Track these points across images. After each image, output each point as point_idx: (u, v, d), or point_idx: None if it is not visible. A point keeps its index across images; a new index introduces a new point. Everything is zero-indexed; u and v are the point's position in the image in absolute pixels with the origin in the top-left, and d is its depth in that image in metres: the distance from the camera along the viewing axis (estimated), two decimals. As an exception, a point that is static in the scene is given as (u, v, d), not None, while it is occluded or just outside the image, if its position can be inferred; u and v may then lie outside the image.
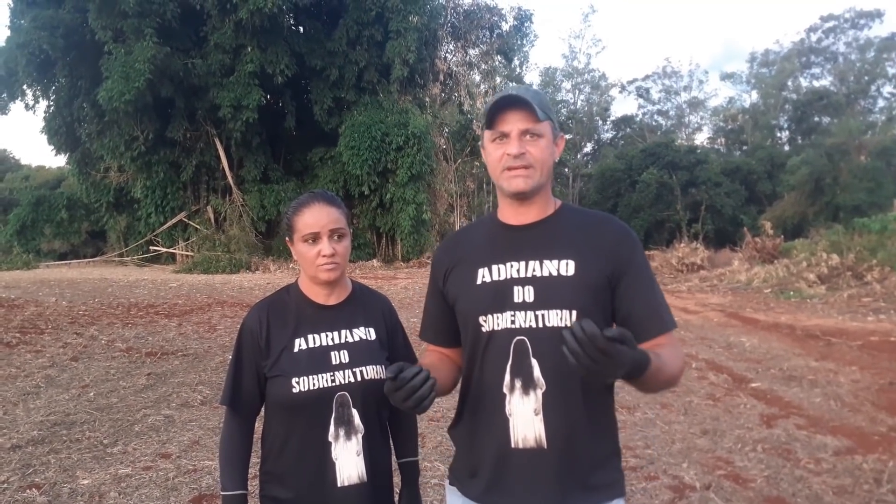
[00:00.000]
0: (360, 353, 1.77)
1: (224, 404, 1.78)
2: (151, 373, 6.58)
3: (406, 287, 15.25)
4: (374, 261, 23.28)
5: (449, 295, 1.64)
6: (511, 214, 1.60)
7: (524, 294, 1.51)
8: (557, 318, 1.47)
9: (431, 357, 1.74)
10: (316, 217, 1.72)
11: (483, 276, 1.57)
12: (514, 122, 1.51)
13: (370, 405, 1.76)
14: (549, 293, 1.50)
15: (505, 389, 1.50)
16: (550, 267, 1.51)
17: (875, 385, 6.14)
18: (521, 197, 1.55)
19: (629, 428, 4.85)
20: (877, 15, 47.02)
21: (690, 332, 9.16)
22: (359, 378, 1.73)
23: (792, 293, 13.05)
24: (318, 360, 1.72)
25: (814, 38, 49.76)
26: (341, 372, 1.72)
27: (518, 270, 1.54)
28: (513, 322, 1.51)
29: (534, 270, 1.52)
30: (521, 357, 1.49)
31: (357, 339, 1.79)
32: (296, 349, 1.73)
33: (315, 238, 1.72)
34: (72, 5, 21.30)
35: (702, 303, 12.53)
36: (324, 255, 1.71)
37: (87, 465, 4.08)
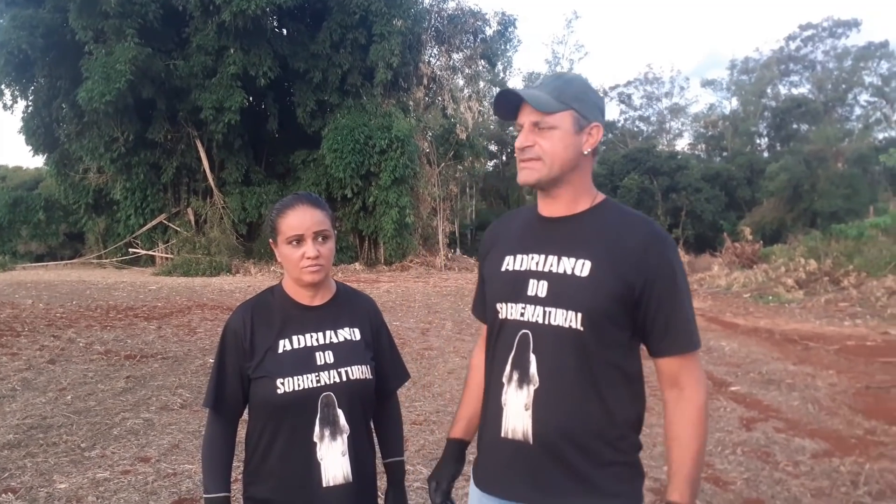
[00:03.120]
0: (345, 354, 1.77)
1: (207, 406, 1.77)
2: (130, 376, 6.51)
3: (389, 290, 15.21)
4: (357, 264, 23.18)
5: (484, 277, 1.69)
6: (543, 205, 1.60)
7: (538, 288, 1.51)
8: (563, 317, 1.46)
9: (469, 405, 1.78)
10: (300, 219, 1.72)
11: (507, 263, 1.59)
12: (525, 115, 1.52)
13: (356, 405, 1.76)
14: (560, 291, 1.48)
15: (504, 379, 1.53)
16: (567, 265, 1.49)
17: (852, 389, 6.23)
18: (538, 189, 1.56)
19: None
20: (854, 24, 47.76)
21: (671, 336, 9.22)
22: (344, 378, 1.73)
23: (771, 298, 13.20)
24: (302, 361, 1.72)
25: (792, 46, 50.45)
26: (326, 372, 1.72)
27: (537, 263, 1.53)
28: (522, 314, 1.52)
29: (551, 265, 1.51)
30: (522, 350, 1.50)
31: (342, 339, 1.79)
32: (280, 350, 1.73)
33: (299, 240, 1.72)
34: (52, 5, 21.00)
35: (682, 307, 12.62)
36: (308, 258, 1.71)
37: (64, 469, 4.02)
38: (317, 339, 1.76)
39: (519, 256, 1.57)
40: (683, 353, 1.48)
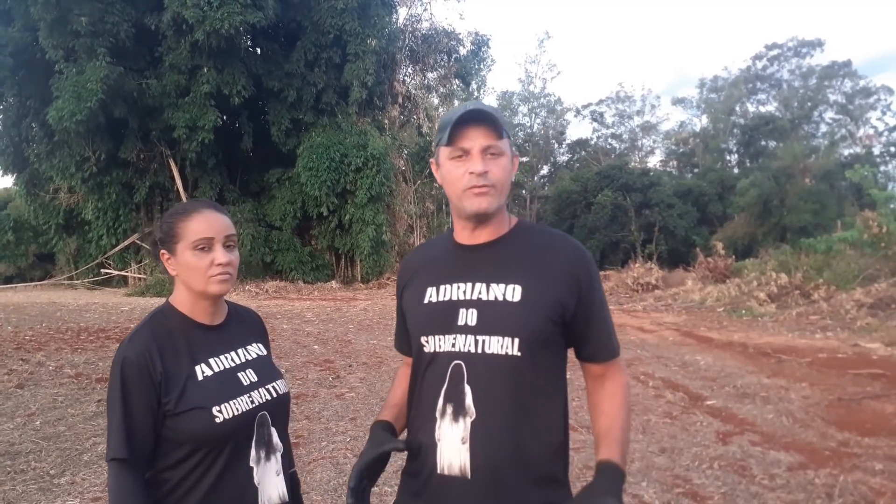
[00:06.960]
0: (264, 370, 1.71)
1: (119, 458, 1.47)
2: (102, 399, 6.37)
3: (365, 309, 15.12)
4: (333, 282, 23.07)
5: (404, 310, 1.63)
6: (465, 234, 1.56)
7: (468, 317, 1.46)
8: (498, 345, 1.43)
9: (395, 397, 1.72)
10: (209, 222, 1.62)
11: (430, 295, 1.54)
12: (475, 139, 1.44)
13: (283, 421, 1.72)
14: (493, 318, 1.45)
15: (437, 413, 1.46)
16: (497, 291, 1.46)
17: (824, 401, 6.31)
18: (482, 218, 1.49)
19: (588, 448, 4.87)
20: (818, 44, 49.03)
21: (647, 350, 9.28)
22: (273, 395, 1.68)
23: (744, 312, 13.37)
24: (230, 384, 1.61)
25: (759, 65, 51.57)
26: (256, 392, 1.65)
27: (464, 292, 1.49)
28: (453, 345, 1.46)
29: (479, 293, 1.48)
30: (455, 382, 1.45)
31: (255, 356, 1.73)
32: (200, 377, 1.58)
33: (208, 245, 1.61)
34: (21, 24, 20.80)
35: (657, 322, 12.74)
36: (218, 264, 1.60)
37: (32, 497, 3.91)
38: (233, 360, 1.66)
39: (443, 287, 1.52)
40: (611, 359, 1.55)
